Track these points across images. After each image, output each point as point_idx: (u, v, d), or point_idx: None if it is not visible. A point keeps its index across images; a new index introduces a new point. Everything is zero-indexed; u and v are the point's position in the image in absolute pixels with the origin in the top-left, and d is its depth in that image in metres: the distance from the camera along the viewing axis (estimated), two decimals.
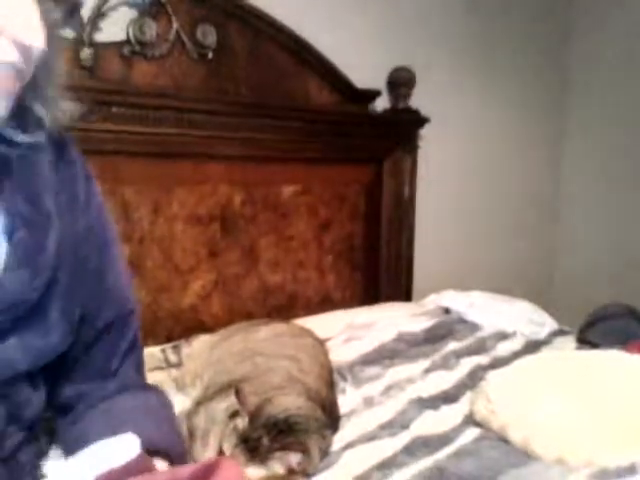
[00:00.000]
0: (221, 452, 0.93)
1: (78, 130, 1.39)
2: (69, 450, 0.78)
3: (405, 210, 2.10)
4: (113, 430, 0.76)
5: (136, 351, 0.87)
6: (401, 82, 2.00)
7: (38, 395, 0.77)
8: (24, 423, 0.75)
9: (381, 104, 2.03)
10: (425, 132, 2.11)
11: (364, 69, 1.97)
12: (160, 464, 0.76)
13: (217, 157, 1.67)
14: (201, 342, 1.28)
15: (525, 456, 1.04)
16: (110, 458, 0.68)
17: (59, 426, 0.82)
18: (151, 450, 0.75)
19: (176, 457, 0.80)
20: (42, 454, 0.79)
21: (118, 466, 0.67)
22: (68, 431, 0.81)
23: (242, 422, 0.93)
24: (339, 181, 1.95)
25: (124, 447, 0.70)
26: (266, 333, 1.26)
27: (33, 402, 0.76)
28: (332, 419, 1.08)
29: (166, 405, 0.89)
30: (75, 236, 0.79)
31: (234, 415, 0.94)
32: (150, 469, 0.73)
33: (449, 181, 2.35)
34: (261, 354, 1.17)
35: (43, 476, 0.71)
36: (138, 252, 1.57)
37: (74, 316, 0.78)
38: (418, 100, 2.05)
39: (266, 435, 0.90)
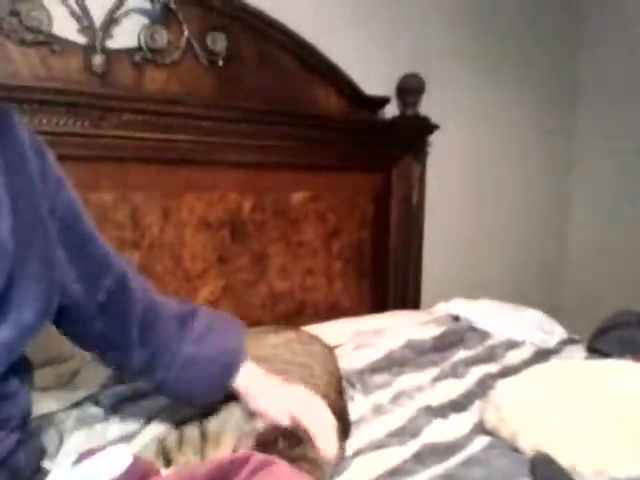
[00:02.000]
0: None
1: (89, 136, 1.42)
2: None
3: (414, 217, 2.10)
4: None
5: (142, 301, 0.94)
6: (410, 89, 2.00)
7: (23, 388, 0.77)
8: (15, 421, 0.75)
9: (390, 111, 2.03)
10: (434, 139, 2.11)
11: (373, 76, 1.98)
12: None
13: (227, 164, 1.67)
14: None
15: None
16: (107, 470, 0.69)
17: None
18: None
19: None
20: (42, 453, 0.79)
21: (118, 475, 0.68)
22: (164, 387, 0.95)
23: (262, 424, 0.93)
24: (348, 188, 1.95)
25: (117, 458, 0.72)
26: (276, 340, 1.25)
27: (19, 396, 0.76)
28: (343, 425, 1.07)
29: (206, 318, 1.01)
30: (39, 220, 0.77)
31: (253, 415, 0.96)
32: (148, 472, 0.73)
33: (458, 188, 2.34)
34: (271, 361, 1.17)
35: None
36: (147, 258, 1.57)
37: (48, 301, 0.77)
38: (427, 107, 2.05)
39: (283, 441, 0.90)
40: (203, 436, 0.95)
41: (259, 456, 0.71)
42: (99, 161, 1.47)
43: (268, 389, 0.98)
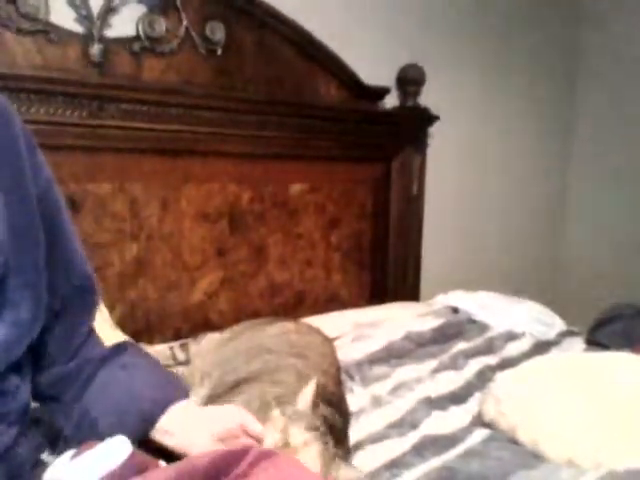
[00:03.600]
0: None
1: (87, 127, 1.41)
2: (77, 433, 0.80)
3: (413, 208, 2.09)
4: (116, 406, 0.80)
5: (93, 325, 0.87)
6: (410, 79, 1.99)
7: (24, 383, 0.77)
8: (15, 416, 0.75)
9: (390, 102, 2.02)
10: (434, 130, 2.10)
11: (373, 66, 1.96)
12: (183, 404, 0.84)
13: (225, 154, 1.66)
14: (209, 340, 1.28)
15: (534, 457, 1.04)
16: (105, 462, 0.68)
17: (53, 413, 0.83)
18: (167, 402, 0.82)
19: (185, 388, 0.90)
20: (42, 446, 0.78)
21: (116, 467, 0.67)
22: (69, 414, 0.82)
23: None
24: (347, 179, 1.94)
25: (116, 449, 0.71)
26: (274, 331, 1.25)
27: (20, 391, 0.76)
28: (342, 416, 1.06)
29: (141, 354, 0.91)
30: (31, 215, 0.76)
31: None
32: (147, 463, 0.73)
33: (458, 179, 2.34)
34: (269, 352, 1.17)
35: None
36: (146, 249, 1.56)
37: (42, 291, 0.76)
38: (427, 98, 2.04)
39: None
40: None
41: (259, 448, 0.71)
42: (97, 152, 1.45)
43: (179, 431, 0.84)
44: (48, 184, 0.81)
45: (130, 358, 0.87)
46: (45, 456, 0.82)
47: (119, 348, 0.87)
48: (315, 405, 0.97)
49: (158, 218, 1.58)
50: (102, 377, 0.83)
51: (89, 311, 0.86)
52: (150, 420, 0.82)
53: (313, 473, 0.71)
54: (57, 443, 0.80)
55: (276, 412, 0.90)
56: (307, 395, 0.96)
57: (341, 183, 1.92)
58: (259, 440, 0.83)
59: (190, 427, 0.82)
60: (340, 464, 0.91)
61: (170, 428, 0.82)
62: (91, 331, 0.86)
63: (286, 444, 0.85)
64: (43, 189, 0.80)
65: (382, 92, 1.97)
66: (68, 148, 1.39)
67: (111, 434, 0.74)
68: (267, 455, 0.70)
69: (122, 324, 1.47)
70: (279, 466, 0.68)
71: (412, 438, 1.10)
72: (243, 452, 0.70)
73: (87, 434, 0.77)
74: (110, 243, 1.50)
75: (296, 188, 1.82)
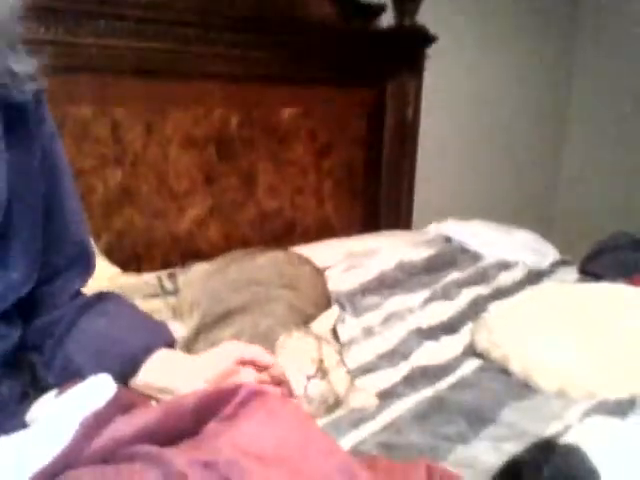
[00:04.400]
0: None
1: (63, 45, 1.32)
2: (60, 380, 0.77)
3: (408, 135, 2.03)
4: (98, 352, 0.78)
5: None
6: None
7: (13, 330, 0.75)
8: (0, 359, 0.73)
9: (386, 21, 1.91)
10: (430, 53, 2.00)
11: None
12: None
13: (212, 76, 1.58)
14: (198, 270, 1.25)
15: (525, 388, 1.04)
16: (90, 400, 0.66)
17: (36, 359, 0.80)
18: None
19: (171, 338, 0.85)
20: (26, 387, 0.76)
21: (101, 407, 0.65)
22: (51, 363, 0.79)
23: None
24: (340, 104, 1.87)
25: (101, 388, 0.68)
26: (263, 262, 1.22)
27: (7, 337, 0.74)
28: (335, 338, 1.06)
29: (124, 303, 0.88)
30: (32, 176, 0.74)
31: None
32: (133, 402, 0.70)
33: (454, 108, 2.26)
34: (259, 283, 1.14)
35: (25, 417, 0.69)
36: (131, 176, 1.51)
37: (37, 253, 0.74)
38: (424, 18, 1.93)
39: None
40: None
41: (249, 386, 0.69)
42: (75, 72, 1.37)
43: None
44: (51, 140, 0.78)
45: (112, 306, 0.85)
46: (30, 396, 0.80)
47: (100, 296, 0.85)
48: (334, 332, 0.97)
49: (142, 143, 1.51)
50: (83, 324, 0.81)
51: (81, 280, 0.85)
52: (133, 363, 0.79)
53: (304, 413, 0.69)
54: (40, 388, 0.77)
55: (298, 333, 0.89)
56: (328, 320, 0.96)
57: (334, 108, 1.85)
58: (269, 369, 0.82)
59: (178, 374, 0.79)
60: (356, 388, 0.94)
61: (155, 374, 0.79)
62: (79, 292, 0.85)
63: (321, 363, 0.87)
64: (47, 147, 0.77)
65: (377, 9, 1.86)
66: (43, 67, 1.31)
67: None
68: (257, 394, 0.68)
69: (109, 253, 1.45)
70: (269, 406, 0.66)
71: (403, 368, 1.09)
72: (232, 391, 0.68)
73: (70, 382, 0.74)
74: (92, 169, 1.45)
75: (287, 113, 1.75)
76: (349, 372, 0.95)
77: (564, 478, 0.50)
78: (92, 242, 0.89)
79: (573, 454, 0.52)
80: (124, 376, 0.78)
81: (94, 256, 0.87)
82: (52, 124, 0.79)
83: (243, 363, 0.82)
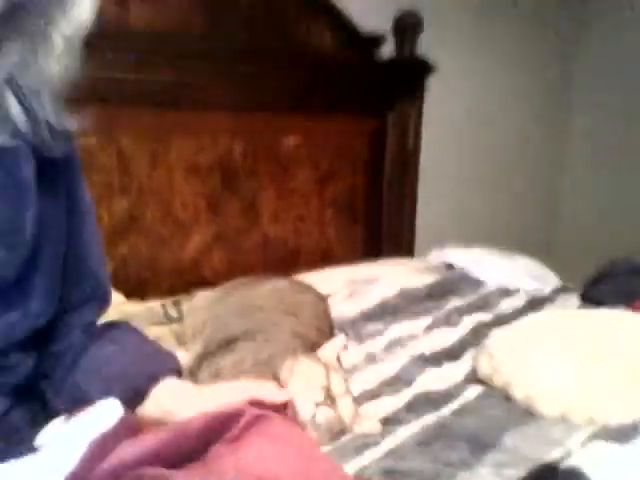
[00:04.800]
0: None
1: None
2: (69, 407, 0.77)
3: (409, 162, 2.05)
4: (105, 378, 0.78)
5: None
6: (407, 27, 1.91)
7: (26, 359, 0.75)
8: (11, 387, 0.73)
9: (387, 51, 1.95)
10: (431, 82, 2.04)
11: (369, 13, 1.89)
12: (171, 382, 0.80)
13: (216, 105, 1.61)
14: (202, 297, 1.26)
15: (528, 414, 1.04)
16: (98, 424, 0.66)
17: (46, 387, 0.81)
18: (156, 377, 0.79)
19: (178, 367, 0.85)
20: (37, 414, 0.77)
21: (107, 431, 0.65)
22: (60, 390, 0.79)
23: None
24: (342, 132, 1.89)
25: (108, 412, 0.69)
26: (266, 289, 1.23)
27: (21, 366, 0.74)
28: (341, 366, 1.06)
29: (134, 331, 0.88)
30: (58, 210, 0.74)
31: None
32: (140, 425, 0.71)
33: (455, 133, 2.29)
34: (261, 310, 1.15)
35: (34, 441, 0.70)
36: (136, 204, 1.53)
37: (57, 287, 0.75)
38: (424, 48, 1.97)
39: None
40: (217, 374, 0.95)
41: (253, 410, 0.70)
42: (82, 103, 1.40)
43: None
44: (77, 179, 0.79)
45: (121, 334, 0.85)
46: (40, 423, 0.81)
47: (111, 325, 0.86)
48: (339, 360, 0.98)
49: (147, 172, 1.54)
50: (92, 352, 0.81)
51: (95, 313, 0.84)
52: (140, 392, 0.79)
53: (307, 437, 0.70)
54: (50, 415, 0.78)
55: (306, 360, 0.90)
56: (334, 348, 0.97)
57: (336, 136, 1.88)
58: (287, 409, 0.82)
59: (184, 401, 0.79)
60: (361, 416, 0.95)
61: (161, 400, 0.80)
62: (93, 324, 0.85)
63: (329, 390, 0.88)
64: (73, 186, 0.77)
65: (378, 40, 1.90)
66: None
67: None
68: (261, 418, 0.68)
69: (114, 281, 1.45)
70: (273, 429, 0.67)
71: (406, 395, 1.10)
72: (237, 414, 0.68)
73: (79, 407, 0.75)
74: (98, 198, 1.46)
75: (289, 141, 1.78)
76: (355, 400, 0.95)
77: None
78: (109, 279, 0.89)
79: (576, 477, 0.52)
80: (131, 404, 0.78)
81: (110, 293, 0.87)
82: (78, 164, 0.80)
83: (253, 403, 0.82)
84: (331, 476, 0.62)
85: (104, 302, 0.85)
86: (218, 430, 0.68)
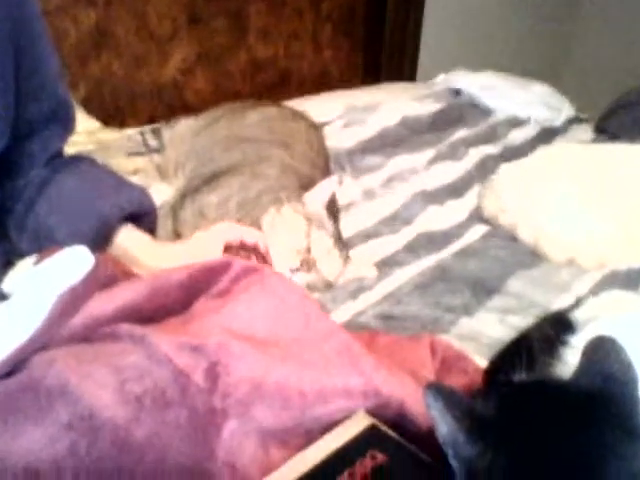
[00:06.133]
0: None
1: None
2: (34, 245, 0.71)
3: None
4: (72, 212, 0.72)
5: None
6: None
7: None
8: None
9: None
10: None
11: None
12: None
13: None
14: (183, 126, 1.14)
15: (534, 256, 0.99)
16: (67, 274, 0.58)
17: (9, 222, 0.74)
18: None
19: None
20: (10, 263, 0.70)
21: (78, 282, 0.58)
22: (23, 225, 0.73)
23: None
24: None
25: (78, 259, 0.60)
26: (254, 117, 1.11)
27: None
28: (334, 213, 0.99)
29: (99, 165, 0.81)
30: (13, 21, 0.64)
31: None
32: (114, 275, 0.64)
33: None
34: (249, 141, 1.04)
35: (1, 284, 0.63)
36: (106, 17, 1.36)
37: (9, 106, 0.66)
38: None
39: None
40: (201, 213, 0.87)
41: (242, 262, 0.62)
42: None
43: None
44: None
45: (86, 166, 0.77)
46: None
47: (74, 158, 0.78)
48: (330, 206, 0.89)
49: None
50: (54, 184, 0.73)
51: (60, 137, 0.76)
52: (106, 225, 0.72)
53: (299, 289, 0.63)
54: (20, 255, 0.71)
55: (289, 210, 0.82)
56: (325, 192, 0.88)
57: None
58: (257, 250, 0.76)
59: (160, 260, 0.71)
60: (354, 263, 0.89)
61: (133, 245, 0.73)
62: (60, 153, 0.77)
63: (308, 252, 0.81)
64: None
65: None
66: None
67: (70, 243, 0.64)
68: (251, 270, 0.61)
69: (88, 105, 1.33)
70: (265, 282, 0.60)
71: (405, 234, 1.04)
72: (224, 266, 0.61)
73: (44, 246, 0.67)
74: (62, 8, 1.28)
75: None
76: (345, 251, 0.88)
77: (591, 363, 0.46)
78: (70, 94, 0.79)
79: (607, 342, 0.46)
80: (97, 238, 0.72)
81: (74, 110, 0.77)
82: None
83: (230, 246, 0.76)
84: (330, 337, 0.56)
85: (67, 123, 0.76)
86: (203, 283, 0.61)
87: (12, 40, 0.66)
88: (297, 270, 0.81)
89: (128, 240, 0.74)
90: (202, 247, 0.75)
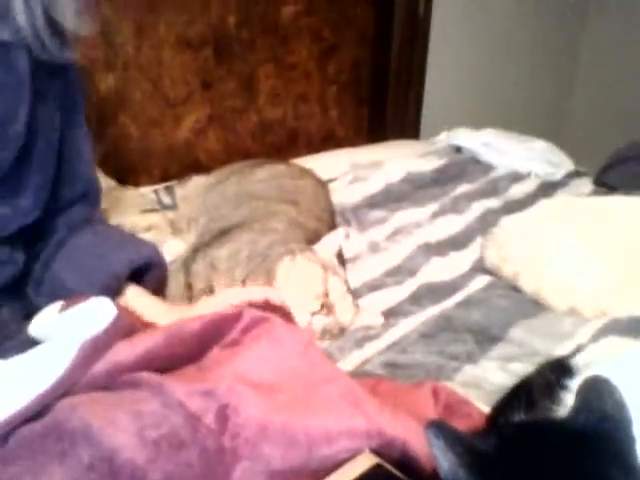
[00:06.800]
0: None
1: None
2: (47, 298, 0.74)
3: (419, 33, 1.89)
4: (85, 266, 0.77)
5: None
6: None
7: (16, 256, 0.74)
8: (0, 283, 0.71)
9: None
10: None
11: None
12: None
13: None
14: (195, 184, 1.19)
15: (536, 306, 1.01)
16: (90, 324, 0.62)
17: (28, 280, 0.78)
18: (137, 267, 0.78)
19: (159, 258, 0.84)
20: (29, 318, 0.74)
21: (101, 331, 0.61)
22: (40, 282, 0.78)
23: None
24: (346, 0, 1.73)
25: (101, 311, 0.64)
26: (263, 175, 1.16)
27: (10, 263, 0.73)
28: (341, 264, 1.02)
29: (112, 226, 0.90)
30: (51, 106, 0.73)
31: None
32: (134, 326, 0.67)
33: (468, 7, 2.10)
34: (258, 198, 1.09)
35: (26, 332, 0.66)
36: (123, 82, 1.42)
37: (47, 185, 0.74)
38: None
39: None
40: (190, 285, 0.91)
41: (253, 312, 0.65)
42: None
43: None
44: (71, 74, 0.77)
45: (99, 226, 0.84)
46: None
47: (91, 219, 0.84)
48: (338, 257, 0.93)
49: (134, 46, 1.41)
50: (72, 242, 0.79)
51: (84, 215, 0.83)
52: (117, 278, 0.77)
53: (308, 339, 0.66)
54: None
55: (303, 259, 0.86)
56: (334, 242, 0.93)
57: (339, 5, 1.72)
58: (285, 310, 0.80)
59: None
60: (362, 311, 0.93)
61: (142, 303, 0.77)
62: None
63: (326, 297, 0.85)
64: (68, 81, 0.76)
65: None
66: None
67: (82, 293, 0.68)
68: (261, 320, 0.64)
69: (104, 166, 1.38)
70: (273, 332, 0.63)
71: (410, 286, 1.06)
72: (236, 316, 0.64)
73: (58, 298, 0.71)
74: (84, 72, 1.35)
75: (288, 10, 1.63)
76: (354, 299, 0.92)
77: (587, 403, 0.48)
78: (99, 179, 0.88)
79: (600, 384, 0.49)
80: (107, 291, 0.75)
81: (100, 193, 0.86)
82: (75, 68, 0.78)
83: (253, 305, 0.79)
84: (333, 382, 0.59)
85: (94, 202, 0.85)
86: (216, 333, 0.65)
87: (57, 130, 0.74)
88: (317, 313, 0.85)
89: (136, 299, 0.79)
90: (209, 311, 0.78)
